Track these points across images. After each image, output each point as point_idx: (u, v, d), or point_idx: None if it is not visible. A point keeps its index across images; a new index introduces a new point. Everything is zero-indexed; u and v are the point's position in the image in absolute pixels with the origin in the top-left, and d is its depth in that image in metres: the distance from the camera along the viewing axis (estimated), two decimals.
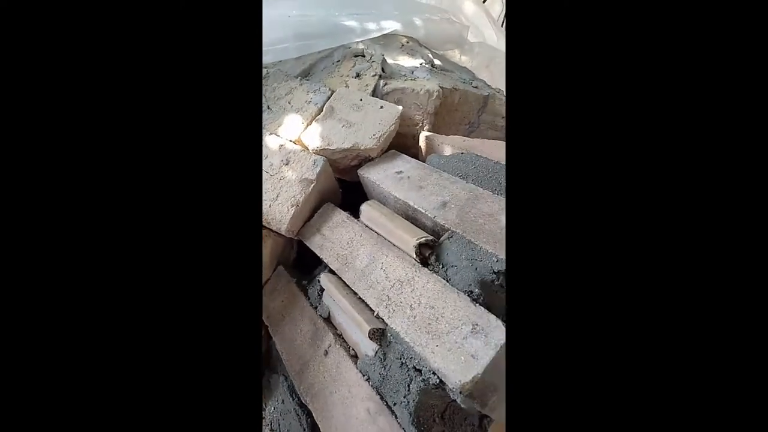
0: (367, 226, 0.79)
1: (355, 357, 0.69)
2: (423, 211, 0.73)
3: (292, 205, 0.82)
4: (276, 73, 1.05)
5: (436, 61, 1.20)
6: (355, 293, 0.71)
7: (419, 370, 0.59)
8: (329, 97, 0.95)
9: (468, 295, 0.59)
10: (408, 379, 0.59)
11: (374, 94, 0.99)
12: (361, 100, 0.93)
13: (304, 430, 0.73)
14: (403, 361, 0.60)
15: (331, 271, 0.78)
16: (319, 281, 0.80)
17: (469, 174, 0.78)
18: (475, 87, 1.13)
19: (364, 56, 1.07)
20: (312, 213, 0.87)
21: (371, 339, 0.64)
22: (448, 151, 0.89)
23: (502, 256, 0.60)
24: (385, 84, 0.99)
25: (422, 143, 0.96)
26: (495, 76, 1.36)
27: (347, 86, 1.00)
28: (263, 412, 0.83)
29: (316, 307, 0.79)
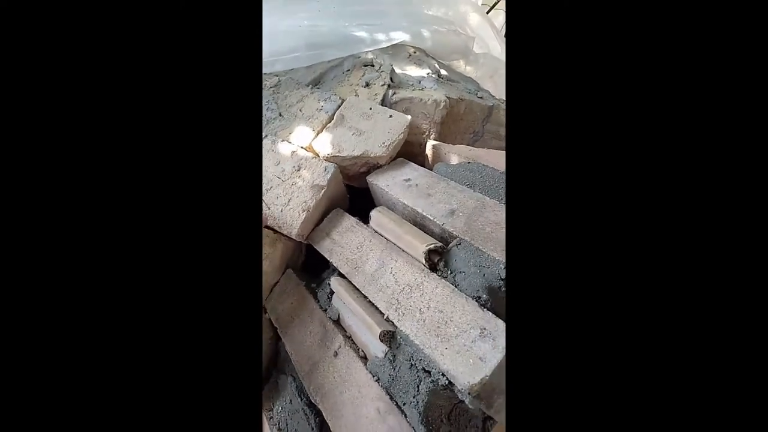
0: (376, 231, 0.82)
1: (364, 358, 0.71)
2: (431, 218, 0.76)
3: (303, 210, 0.84)
4: (288, 81, 1.08)
5: (443, 72, 1.23)
6: (365, 296, 0.73)
7: (428, 372, 0.61)
8: (339, 106, 0.98)
9: (476, 301, 0.61)
10: (417, 380, 0.61)
11: (383, 103, 1.01)
12: (370, 108, 0.96)
13: (313, 429, 0.75)
14: (413, 363, 0.63)
15: (341, 275, 0.80)
16: (328, 284, 0.82)
17: (476, 183, 0.81)
18: (480, 97, 1.16)
19: (373, 66, 1.10)
20: (321, 218, 0.90)
21: (382, 341, 0.66)
22: (454, 159, 0.92)
23: None
24: (394, 93, 1.02)
25: (429, 152, 0.99)
26: (499, 87, 1.39)
27: (357, 95, 1.02)
28: (270, 413, 0.84)
29: (325, 310, 0.81)
